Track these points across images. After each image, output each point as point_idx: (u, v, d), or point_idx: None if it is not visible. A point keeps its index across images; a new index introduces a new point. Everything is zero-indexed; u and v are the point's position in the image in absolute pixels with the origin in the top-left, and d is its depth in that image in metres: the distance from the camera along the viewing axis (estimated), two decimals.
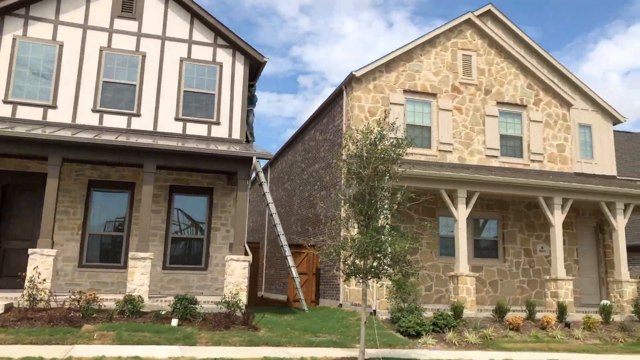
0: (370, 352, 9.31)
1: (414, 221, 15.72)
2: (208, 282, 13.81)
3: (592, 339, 11.96)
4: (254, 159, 12.68)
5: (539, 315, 13.01)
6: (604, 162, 18.34)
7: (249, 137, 15.68)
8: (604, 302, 14.86)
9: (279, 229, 15.61)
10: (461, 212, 13.84)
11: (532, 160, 16.99)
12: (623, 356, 10.55)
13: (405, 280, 12.00)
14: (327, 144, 17.72)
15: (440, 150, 16.22)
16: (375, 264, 7.63)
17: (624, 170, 27.74)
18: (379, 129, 8.10)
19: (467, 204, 13.95)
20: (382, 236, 7.50)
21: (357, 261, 7.66)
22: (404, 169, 8.53)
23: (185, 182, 14.20)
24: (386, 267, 7.62)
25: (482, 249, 16.33)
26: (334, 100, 17.23)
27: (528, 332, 11.83)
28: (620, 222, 15.05)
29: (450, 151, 16.30)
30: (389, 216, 8.04)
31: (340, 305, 15.22)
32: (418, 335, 10.87)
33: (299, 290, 15.39)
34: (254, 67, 15.06)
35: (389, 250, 7.53)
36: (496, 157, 16.69)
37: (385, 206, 7.82)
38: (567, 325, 12.66)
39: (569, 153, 17.42)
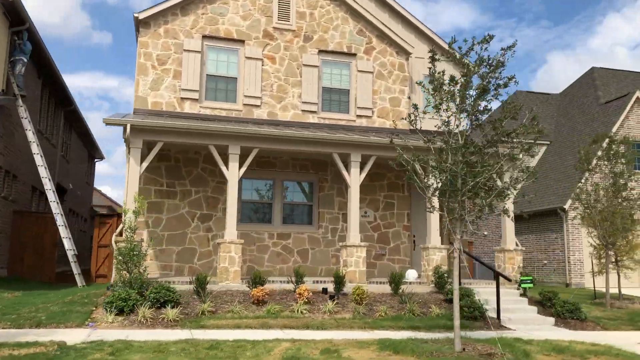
0: None
1: (209, 184, 13.93)
2: None
3: (346, 312, 10.28)
4: None
5: (318, 287, 11.43)
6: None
7: (15, 89, 13.78)
8: (408, 272, 13.22)
9: (51, 195, 13.83)
10: (232, 171, 12.03)
11: (359, 116, 15.11)
12: (346, 332, 8.85)
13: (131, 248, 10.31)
14: None
15: (246, 105, 14.32)
16: None
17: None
18: None
19: (244, 162, 12.15)
20: None
21: None
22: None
23: None
24: None
25: (294, 215, 14.57)
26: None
27: (268, 305, 10.12)
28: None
29: (258, 105, 14.40)
30: None
31: None
32: (121, 311, 9.14)
33: (73, 265, 13.72)
34: (13, 9, 13.07)
35: None
36: (315, 112, 14.80)
37: None
38: (333, 297, 10.97)
39: (406, 107, 15.53)
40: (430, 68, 8.43)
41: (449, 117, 8.24)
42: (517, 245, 13.60)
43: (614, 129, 21.38)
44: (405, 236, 15.13)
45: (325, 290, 11.43)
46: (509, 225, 13.54)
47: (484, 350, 7.31)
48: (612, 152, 13.06)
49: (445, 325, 9.86)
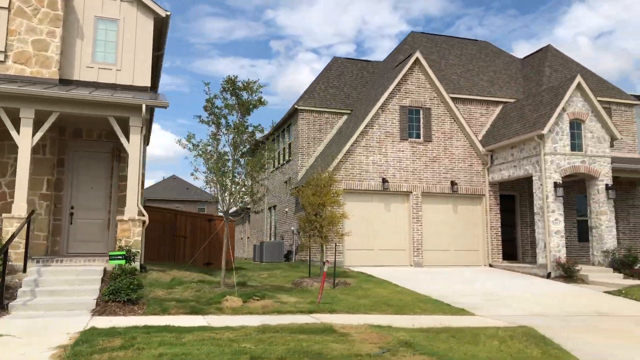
0: None
1: None
2: None
3: None
4: None
5: None
6: (135, 69, 13.92)
7: None
8: None
9: None
10: None
11: None
12: None
13: None
14: None
15: None
16: None
17: (339, 102, 23.75)
18: None
19: None
20: None
21: None
22: None
23: None
24: None
25: None
26: None
27: None
28: (25, 137, 10.74)
29: None
30: None
31: None
32: None
33: None
34: None
35: None
36: None
37: None
38: None
39: (56, 53, 12.86)
40: None
41: None
42: (141, 214, 11.27)
43: (387, 93, 19.47)
44: (43, 207, 12.55)
45: None
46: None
47: None
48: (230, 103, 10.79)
49: None
